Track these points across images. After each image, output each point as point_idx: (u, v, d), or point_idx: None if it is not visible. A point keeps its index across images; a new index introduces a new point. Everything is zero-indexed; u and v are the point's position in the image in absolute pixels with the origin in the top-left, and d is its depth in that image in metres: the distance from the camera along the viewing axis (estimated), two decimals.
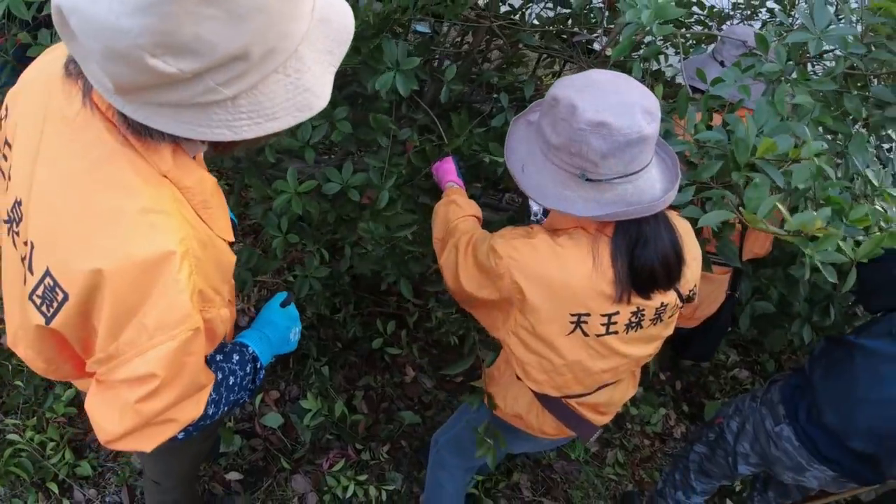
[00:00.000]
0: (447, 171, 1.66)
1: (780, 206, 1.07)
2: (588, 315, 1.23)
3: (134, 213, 0.78)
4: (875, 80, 1.47)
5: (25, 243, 0.85)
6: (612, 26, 1.88)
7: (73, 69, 0.80)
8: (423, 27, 2.04)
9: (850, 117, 1.43)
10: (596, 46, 1.92)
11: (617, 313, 1.24)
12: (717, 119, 1.53)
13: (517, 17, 2.09)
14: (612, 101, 1.08)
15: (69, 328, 0.84)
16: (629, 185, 1.12)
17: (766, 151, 1.20)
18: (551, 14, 2.14)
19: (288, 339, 1.19)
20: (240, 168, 1.87)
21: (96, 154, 0.79)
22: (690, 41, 2.00)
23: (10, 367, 2.23)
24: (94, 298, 0.79)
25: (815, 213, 1.03)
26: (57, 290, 0.81)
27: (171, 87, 0.67)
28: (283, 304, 1.21)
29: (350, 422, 2.23)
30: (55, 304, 0.82)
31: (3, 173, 0.95)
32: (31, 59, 1.53)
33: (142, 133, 0.77)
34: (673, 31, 1.43)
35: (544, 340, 1.27)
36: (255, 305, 2.46)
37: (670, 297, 1.29)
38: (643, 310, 1.26)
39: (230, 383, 1.03)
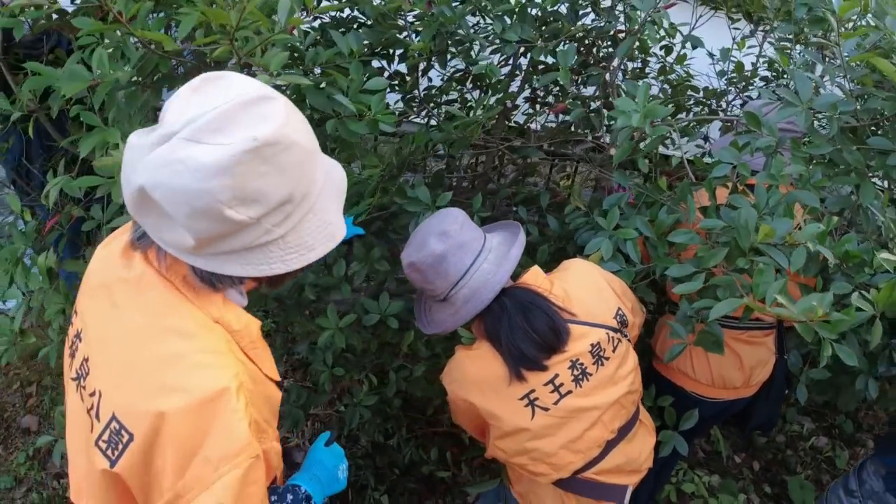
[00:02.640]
0: None
1: (779, 298, 1.08)
2: (533, 391, 1.34)
3: (191, 354, 0.87)
4: (874, 129, 1.49)
5: (92, 394, 0.92)
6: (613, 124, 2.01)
7: (138, 244, 0.94)
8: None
9: (854, 169, 1.45)
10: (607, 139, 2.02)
11: (556, 375, 1.35)
12: (721, 194, 1.57)
13: (522, 134, 2.24)
14: (415, 243, 1.38)
15: (133, 471, 0.88)
16: (464, 289, 1.34)
17: (766, 237, 1.24)
18: (554, 123, 2.28)
19: (337, 477, 1.24)
20: (284, 307, 1.99)
21: (155, 307, 0.90)
22: (692, 123, 2.08)
23: None
24: (158, 439, 0.85)
25: (814, 303, 1.03)
26: (122, 432, 0.87)
27: (239, 233, 0.83)
28: (328, 444, 1.27)
29: None
30: (120, 447, 0.87)
31: (73, 362, 1.02)
32: (83, 232, 1.69)
33: (206, 283, 0.90)
34: (668, 131, 1.52)
35: (519, 433, 1.36)
36: (309, 440, 2.49)
37: (595, 335, 1.38)
38: (577, 359, 1.36)
39: None
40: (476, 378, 1.37)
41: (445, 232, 1.34)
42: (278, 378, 1.03)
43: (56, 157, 2.09)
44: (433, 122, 1.97)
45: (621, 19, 1.85)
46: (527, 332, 1.33)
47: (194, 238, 0.81)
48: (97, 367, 0.93)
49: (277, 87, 1.18)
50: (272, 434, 0.98)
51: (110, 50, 1.22)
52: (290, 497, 1.10)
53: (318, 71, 1.44)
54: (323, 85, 1.39)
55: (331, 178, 0.96)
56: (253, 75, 1.04)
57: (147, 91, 1.36)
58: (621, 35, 1.92)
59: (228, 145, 0.78)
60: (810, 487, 2.45)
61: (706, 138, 2.50)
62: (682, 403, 1.92)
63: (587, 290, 1.44)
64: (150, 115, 1.43)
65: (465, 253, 1.35)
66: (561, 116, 2.21)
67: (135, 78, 1.30)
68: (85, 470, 0.96)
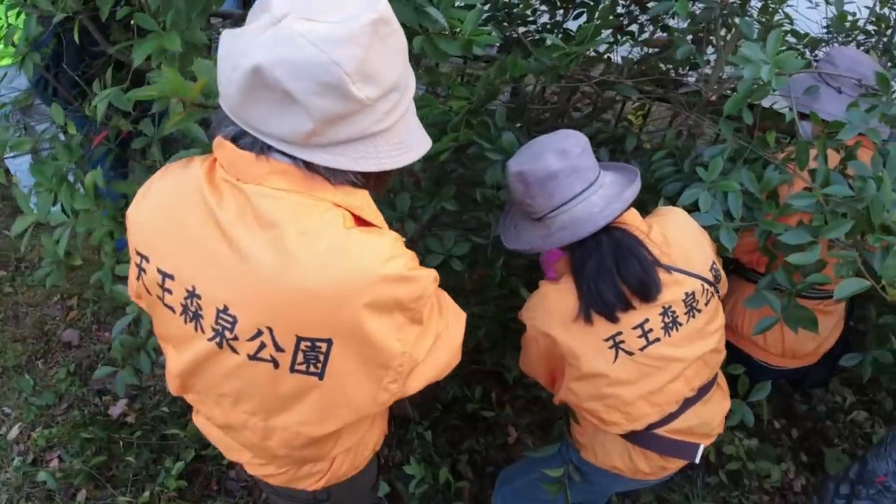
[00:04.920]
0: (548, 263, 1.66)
1: None
2: (620, 333, 1.29)
3: (343, 242, 0.85)
4: None
5: (254, 337, 0.88)
6: (711, 68, 1.80)
7: (236, 145, 0.87)
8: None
9: None
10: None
11: (647, 320, 1.30)
12: (832, 157, 1.43)
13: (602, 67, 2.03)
14: (529, 153, 1.31)
15: (343, 370, 0.90)
16: (564, 215, 1.29)
17: None
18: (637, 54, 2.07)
19: None
20: None
21: (280, 221, 0.85)
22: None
23: (122, 441, 2.28)
24: (358, 324, 0.86)
25: None
26: (317, 343, 0.87)
27: (356, 117, 0.80)
28: None
29: (455, 489, 2.16)
30: (321, 357, 0.88)
31: (169, 306, 0.96)
32: (132, 148, 1.54)
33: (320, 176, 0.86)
34: (786, 83, 1.34)
35: (597, 377, 1.32)
36: None
37: (690, 285, 1.32)
38: (670, 306, 1.30)
39: None
40: (562, 312, 1.31)
41: (565, 151, 1.28)
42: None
43: (96, 65, 1.93)
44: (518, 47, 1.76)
45: None
46: (613, 277, 1.27)
47: (314, 121, 0.78)
48: (245, 309, 0.87)
49: None
50: None
51: None
52: None
53: None
54: None
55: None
56: None
57: None
58: None
59: (349, 19, 0.77)
60: (846, 461, 2.40)
61: None
62: (745, 370, 1.84)
63: (687, 238, 1.37)
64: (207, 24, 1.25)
65: (578, 179, 1.28)
66: (646, 49, 1.99)
67: None
68: (279, 417, 0.97)
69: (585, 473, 1.58)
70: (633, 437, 1.42)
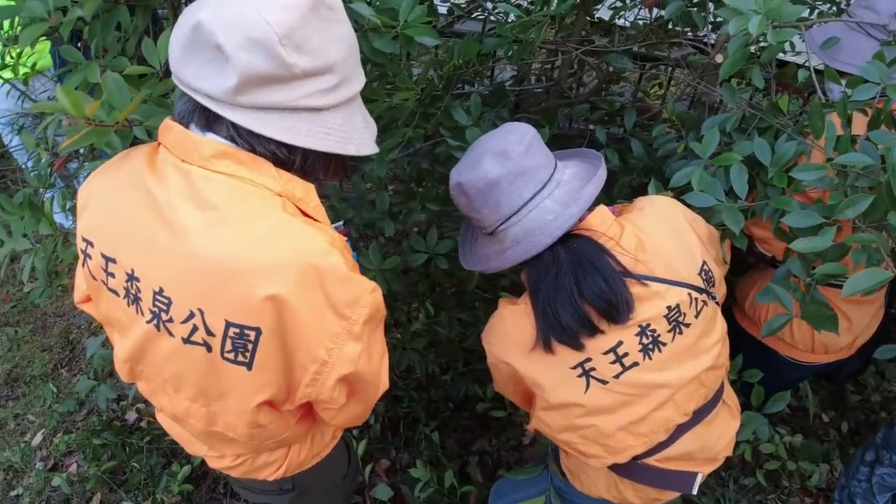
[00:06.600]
0: None
1: None
2: (589, 360, 1.10)
3: (276, 231, 0.85)
4: None
5: (187, 319, 0.88)
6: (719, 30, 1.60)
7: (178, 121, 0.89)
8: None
9: None
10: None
11: (620, 343, 1.10)
12: (857, 122, 1.21)
13: (607, 33, 1.85)
14: (467, 159, 1.14)
15: (270, 360, 0.89)
16: (515, 227, 1.11)
17: None
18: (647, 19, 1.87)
19: None
20: None
21: (218, 204, 0.85)
22: (818, 25, 1.63)
23: (128, 447, 2.30)
24: (284, 319, 0.85)
25: None
26: (246, 331, 0.86)
27: (284, 84, 0.81)
28: None
29: (461, 493, 2.06)
30: (249, 346, 0.87)
31: (113, 290, 0.96)
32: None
33: (247, 149, 0.86)
34: (794, 35, 1.14)
35: (568, 407, 1.14)
36: None
37: (674, 296, 1.11)
38: (648, 324, 1.09)
39: None
40: (520, 338, 1.13)
41: (506, 152, 1.09)
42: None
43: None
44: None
45: None
46: (572, 296, 1.07)
47: (238, 74, 0.78)
48: (179, 290, 0.87)
49: None
50: None
51: None
52: None
53: None
54: None
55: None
56: None
57: (123, 10, 1.09)
58: None
59: None
60: None
61: None
62: (769, 365, 1.66)
63: (668, 238, 1.15)
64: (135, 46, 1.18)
65: (526, 182, 1.09)
66: (655, 11, 1.79)
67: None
68: (201, 397, 0.97)
69: (569, 500, 1.43)
70: (617, 468, 1.25)
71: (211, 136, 0.86)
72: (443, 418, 2.28)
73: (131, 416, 2.42)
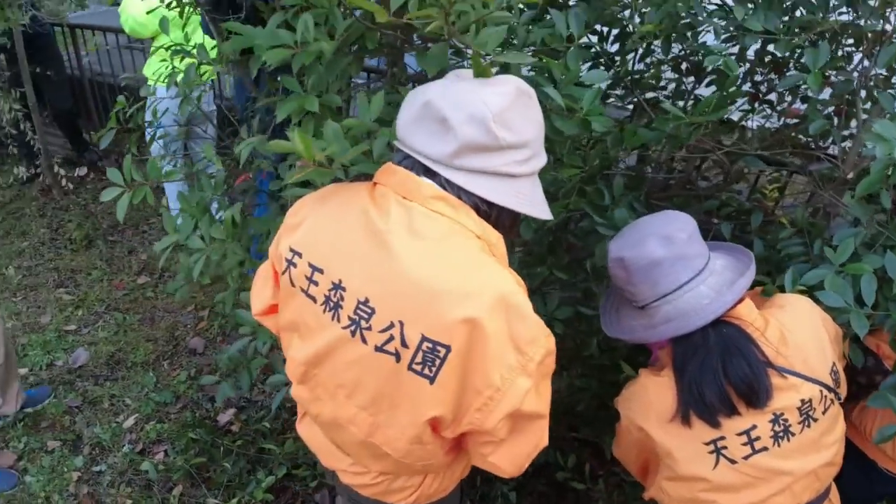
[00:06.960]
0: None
1: None
2: (723, 438, 1.19)
3: (478, 267, 0.98)
4: None
5: (385, 329, 1.00)
6: (850, 141, 1.66)
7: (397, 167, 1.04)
8: None
9: None
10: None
11: (754, 426, 1.19)
12: None
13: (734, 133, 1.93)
14: (631, 236, 1.25)
15: (451, 379, 0.98)
16: (668, 306, 1.21)
17: None
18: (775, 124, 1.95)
19: None
20: None
21: (431, 236, 1.00)
22: None
23: (223, 447, 2.42)
24: (473, 341, 0.95)
25: None
26: (437, 347, 0.96)
27: (491, 153, 0.97)
28: None
29: None
30: (437, 361, 0.97)
31: (311, 296, 1.09)
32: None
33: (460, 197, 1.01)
34: None
35: (695, 481, 1.22)
36: None
37: (808, 391, 1.20)
38: (782, 413, 1.19)
39: None
40: (660, 408, 1.23)
41: (670, 237, 1.21)
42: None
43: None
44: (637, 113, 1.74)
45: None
46: (717, 377, 1.17)
47: (458, 143, 0.95)
48: (384, 303, 1.00)
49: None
50: None
51: (316, 15, 1.13)
52: None
53: (529, 53, 1.27)
54: (531, 71, 1.23)
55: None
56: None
57: (348, 58, 1.27)
58: (869, 34, 1.56)
59: (503, 84, 0.99)
60: None
61: None
62: (862, 473, 1.64)
63: (807, 336, 1.24)
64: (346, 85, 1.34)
65: (685, 267, 1.20)
66: (784, 120, 1.88)
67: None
68: (386, 407, 1.06)
69: None
70: None
71: (427, 181, 1.02)
72: (520, 480, 2.30)
73: (223, 417, 2.56)
